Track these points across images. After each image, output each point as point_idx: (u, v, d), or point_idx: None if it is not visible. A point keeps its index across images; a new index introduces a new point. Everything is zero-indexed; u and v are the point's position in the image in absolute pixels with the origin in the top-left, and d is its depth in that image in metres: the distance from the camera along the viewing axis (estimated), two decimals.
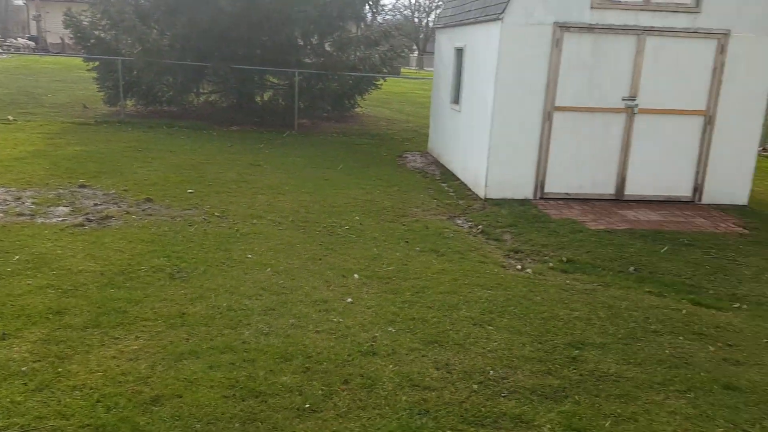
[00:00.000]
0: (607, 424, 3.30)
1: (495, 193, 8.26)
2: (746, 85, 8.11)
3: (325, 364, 3.79)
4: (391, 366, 3.81)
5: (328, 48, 14.95)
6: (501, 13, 7.84)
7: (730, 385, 3.79)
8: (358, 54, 15.04)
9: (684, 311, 4.95)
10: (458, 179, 9.58)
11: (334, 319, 4.43)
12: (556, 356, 4.06)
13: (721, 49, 7.97)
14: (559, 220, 7.29)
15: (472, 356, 4.00)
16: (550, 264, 5.97)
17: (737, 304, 5.18)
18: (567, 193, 8.29)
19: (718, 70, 8.04)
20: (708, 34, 7.93)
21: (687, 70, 8.06)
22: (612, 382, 3.77)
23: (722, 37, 7.95)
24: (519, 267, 5.88)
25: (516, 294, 5.10)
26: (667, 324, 4.67)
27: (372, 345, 4.07)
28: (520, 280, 5.46)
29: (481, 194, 8.38)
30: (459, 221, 7.44)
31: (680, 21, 7.90)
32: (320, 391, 3.48)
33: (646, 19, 7.87)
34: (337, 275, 5.31)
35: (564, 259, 6.08)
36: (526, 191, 8.27)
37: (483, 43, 8.67)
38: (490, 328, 4.44)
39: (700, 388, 3.75)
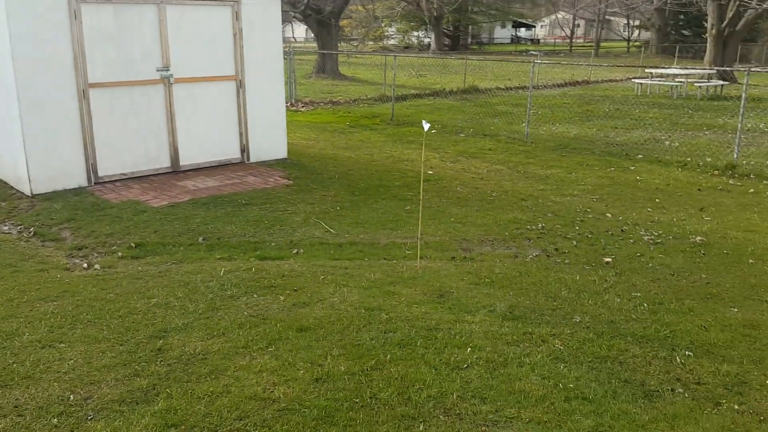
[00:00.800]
0: (202, 407, 3.41)
1: (43, 187, 7.45)
2: (265, 49, 8.92)
3: None
4: None
5: None
6: None
7: (302, 328, 4.29)
8: None
9: (253, 269, 5.35)
10: None
11: None
12: (140, 354, 3.95)
13: (236, 16, 8.55)
14: (120, 204, 7.01)
15: (46, 386, 3.58)
16: (119, 253, 5.73)
17: (295, 250, 5.85)
18: (123, 174, 8.00)
19: (238, 36, 8.63)
20: (222, 1, 8.40)
21: (211, 37, 8.43)
22: (200, 361, 3.89)
23: (235, 4, 8.52)
24: (85, 265, 5.48)
25: (87, 297, 4.76)
26: (241, 286, 5.00)
27: None
28: (89, 280, 5.10)
29: (27, 190, 7.46)
30: (5, 227, 6.51)
31: None
32: None
33: None
34: None
35: (132, 244, 5.91)
36: (78, 179, 7.67)
37: None
38: (63, 345, 4.05)
39: (279, 339, 4.15)
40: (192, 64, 8.31)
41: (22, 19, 7.02)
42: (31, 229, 6.39)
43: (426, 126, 5.48)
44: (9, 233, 6.34)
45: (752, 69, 10.15)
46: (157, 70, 8.04)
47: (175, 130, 8.32)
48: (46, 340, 4.12)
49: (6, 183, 8.04)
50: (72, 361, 3.87)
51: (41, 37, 7.15)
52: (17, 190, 7.71)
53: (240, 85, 8.80)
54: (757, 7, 21.67)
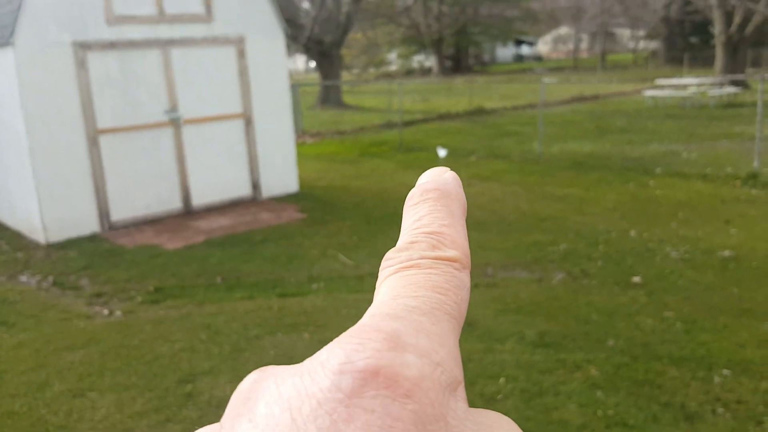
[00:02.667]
0: None
1: (57, 235, 7.45)
2: (271, 84, 8.96)
3: None
4: None
5: None
6: (10, 36, 6.94)
7: None
8: None
9: (275, 307, 5.29)
10: (9, 228, 8.33)
11: None
12: (170, 399, 3.90)
13: (242, 54, 8.60)
14: (135, 249, 6.99)
15: None
16: (139, 299, 5.69)
17: (315, 285, 5.78)
18: (136, 217, 7.99)
19: (243, 74, 8.67)
20: (226, 41, 8.45)
21: (217, 76, 8.47)
22: None
23: (239, 43, 8.57)
24: (106, 312, 5.45)
25: (111, 345, 4.72)
26: (264, 326, 4.93)
27: None
28: (112, 327, 5.06)
29: (42, 239, 7.46)
30: (23, 278, 6.49)
31: (198, 30, 8.21)
32: None
33: (165, 32, 7.95)
34: None
35: (151, 289, 5.87)
36: (92, 225, 7.66)
37: None
38: (93, 394, 4.01)
39: None
40: (199, 104, 8.35)
41: (31, 69, 7.08)
42: (49, 279, 6.37)
43: (441, 153, 5.43)
44: (28, 283, 6.32)
45: (766, 76, 10.07)
46: (165, 113, 8.07)
47: (185, 171, 8.33)
48: (76, 390, 4.08)
49: (20, 233, 8.05)
50: (104, 410, 3.82)
51: (49, 86, 7.21)
52: (31, 240, 7.71)
53: (248, 122, 8.82)
54: (765, 10, 21.60)
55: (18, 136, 7.34)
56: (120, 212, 7.86)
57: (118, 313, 5.41)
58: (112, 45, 7.54)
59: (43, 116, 7.21)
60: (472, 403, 3.57)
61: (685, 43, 44.95)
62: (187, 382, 4.10)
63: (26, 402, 3.95)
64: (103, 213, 7.73)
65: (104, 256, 6.87)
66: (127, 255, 6.82)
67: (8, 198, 8.28)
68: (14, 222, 8.27)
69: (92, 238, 7.50)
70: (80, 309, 5.55)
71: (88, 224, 7.64)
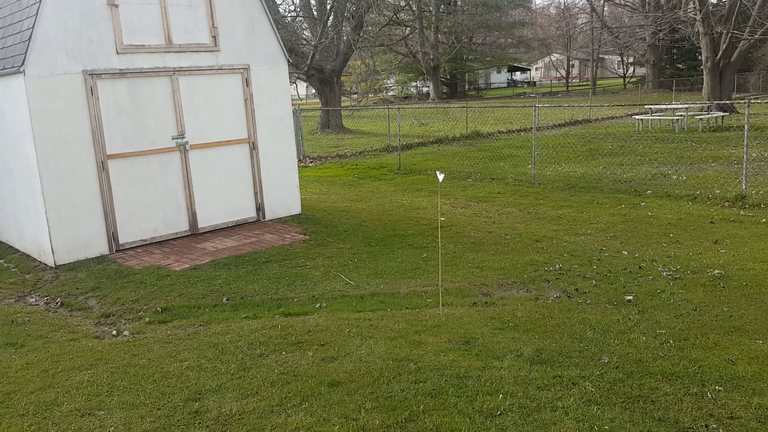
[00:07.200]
0: None
1: (66, 258, 7.61)
2: (275, 110, 9.20)
3: None
4: None
5: None
6: (21, 65, 7.17)
7: (333, 382, 4.33)
8: None
9: (279, 326, 5.42)
10: (17, 251, 8.49)
11: None
12: (178, 417, 4.01)
13: (246, 82, 8.85)
14: (143, 270, 7.14)
15: None
16: (147, 319, 5.83)
17: (318, 305, 5.93)
18: (143, 240, 8.16)
19: (248, 101, 8.92)
20: (232, 69, 8.71)
21: (223, 103, 8.72)
22: (237, 421, 3.94)
23: (244, 71, 8.83)
24: (114, 332, 5.58)
25: (120, 364, 4.84)
26: (269, 344, 5.06)
27: None
28: (120, 347, 5.19)
29: (50, 262, 7.62)
30: (32, 299, 6.64)
31: (205, 60, 8.47)
32: None
33: (173, 61, 8.20)
34: None
35: (159, 309, 6.02)
36: (100, 247, 7.83)
37: (7, 97, 7.81)
38: (102, 413, 4.12)
39: (311, 395, 4.20)
40: (206, 130, 8.57)
41: (42, 97, 7.30)
42: (57, 300, 6.51)
43: (441, 177, 5.63)
44: (36, 305, 6.46)
45: (752, 101, 10.33)
46: (173, 138, 8.29)
47: (192, 195, 8.52)
48: (85, 409, 4.19)
49: (29, 255, 8.20)
50: (113, 428, 3.93)
51: (60, 113, 7.43)
52: (40, 262, 7.86)
53: (253, 147, 9.03)
54: (750, 37, 22.09)
55: (28, 161, 7.54)
56: (128, 235, 8.04)
57: (126, 333, 5.54)
58: (121, 73, 7.77)
59: (53, 142, 7.41)
60: (472, 419, 3.71)
61: (674, 68, 45.65)
62: (195, 400, 4.20)
63: (35, 422, 4.02)
64: (112, 235, 7.90)
65: (112, 277, 7.02)
66: (135, 276, 6.97)
67: (17, 221, 8.45)
68: (23, 245, 8.43)
69: (101, 260, 7.66)
70: (88, 329, 5.68)
71: (96, 246, 7.81)
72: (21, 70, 7.16)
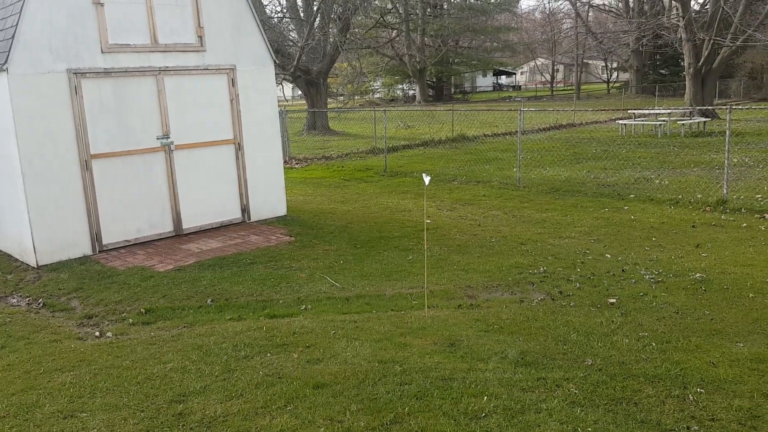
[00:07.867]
0: None
1: (49, 258, 7.53)
2: (260, 112, 9.18)
3: None
4: None
5: None
6: (4, 63, 7.10)
7: (318, 384, 4.32)
8: None
9: (264, 328, 5.41)
10: None
11: None
12: (162, 419, 3.98)
13: (233, 83, 8.82)
14: (126, 271, 7.09)
15: None
16: (130, 320, 5.79)
17: (303, 306, 5.92)
18: (127, 240, 8.10)
19: (234, 102, 8.89)
20: (218, 70, 8.68)
21: (209, 103, 8.68)
22: (221, 423, 3.92)
23: (231, 72, 8.80)
24: (98, 334, 5.53)
25: (103, 366, 4.79)
26: (254, 346, 5.04)
27: None
28: (103, 349, 5.14)
29: (33, 262, 7.54)
30: (14, 300, 6.57)
31: (191, 60, 8.43)
32: None
33: (158, 60, 8.15)
34: None
35: (142, 310, 5.97)
36: (83, 248, 7.76)
37: None
38: (84, 415, 4.07)
39: (296, 397, 4.19)
40: (191, 130, 8.52)
41: (25, 95, 7.22)
42: (39, 301, 6.44)
43: (427, 180, 5.64)
44: (18, 305, 6.39)
45: (734, 107, 10.48)
46: (158, 138, 8.23)
47: (176, 195, 8.47)
48: (67, 411, 4.14)
49: (10, 255, 8.11)
50: (96, 430, 3.89)
51: (43, 112, 7.36)
52: (22, 262, 7.78)
53: (238, 148, 9.00)
54: (731, 44, 22.40)
55: (11, 159, 7.46)
56: (111, 235, 7.97)
57: (109, 334, 5.50)
58: (106, 72, 7.72)
59: (36, 141, 7.34)
60: (457, 421, 3.73)
61: (657, 74, 46.21)
62: (179, 402, 4.17)
63: (16, 424, 3.98)
64: (95, 236, 7.83)
65: (95, 278, 6.96)
66: (119, 277, 6.92)
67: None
68: (5, 244, 8.33)
69: (84, 261, 7.59)
70: (71, 330, 5.63)
71: (79, 247, 7.74)
72: (4, 68, 7.09)
